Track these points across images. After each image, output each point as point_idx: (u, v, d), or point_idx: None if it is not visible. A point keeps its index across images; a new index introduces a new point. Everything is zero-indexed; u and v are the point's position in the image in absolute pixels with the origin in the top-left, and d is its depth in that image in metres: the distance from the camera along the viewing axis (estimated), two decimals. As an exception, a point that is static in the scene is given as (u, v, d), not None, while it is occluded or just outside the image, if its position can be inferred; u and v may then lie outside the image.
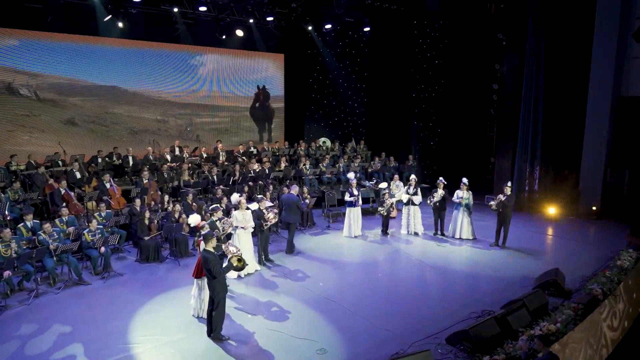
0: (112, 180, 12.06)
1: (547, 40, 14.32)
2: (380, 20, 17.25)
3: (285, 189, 11.94)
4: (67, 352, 6.43)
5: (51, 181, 11.53)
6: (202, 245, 7.19)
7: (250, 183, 13.40)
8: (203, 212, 10.12)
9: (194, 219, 8.31)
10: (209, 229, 8.32)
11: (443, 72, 17.38)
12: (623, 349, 7.86)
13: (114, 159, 13.98)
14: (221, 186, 12.53)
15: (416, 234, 12.12)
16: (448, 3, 16.49)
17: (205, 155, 15.17)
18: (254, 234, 9.73)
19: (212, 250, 6.72)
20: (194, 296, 7.39)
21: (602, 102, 14.01)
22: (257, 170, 14.05)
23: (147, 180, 12.17)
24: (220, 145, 15.79)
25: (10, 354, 6.38)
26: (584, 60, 14.10)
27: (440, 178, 11.96)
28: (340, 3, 15.80)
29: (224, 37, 16.20)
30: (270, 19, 16.12)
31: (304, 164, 15.18)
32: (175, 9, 14.45)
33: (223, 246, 7.34)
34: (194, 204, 11.34)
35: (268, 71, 18.80)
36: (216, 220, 8.82)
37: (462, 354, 6.31)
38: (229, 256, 7.11)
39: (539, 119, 14.67)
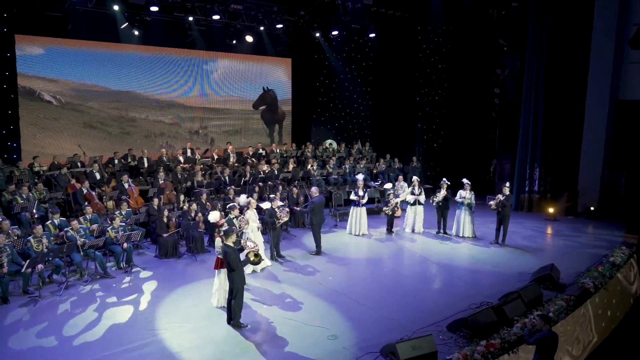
0: (129, 181, 12.66)
1: (547, 45, 14.79)
2: (386, 27, 17.78)
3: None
4: (97, 336, 7.03)
5: (73, 181, 12.14)
6: (217, 240, 7.79)
7: (260, 184, 13.96)
8: (218, 211, 10.70)
9: (214, 216, 8.91)
10: (227, 226, 8.90)
11: (446, 76, 17.88)
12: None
13: (129, 160, 14.59)
14: (233, 186, 13.08)
15: (418, 232, 12.67)
16: (451, 10, 16.98)
17: (216, 157, 15.76)
18: (264, 232, 10.33)
19: (231, 245, 7.30)
20: (215, 287, 7.95)
21: (600, 105, 14.52)
22: (267, 171, 14.59)
23: (162, 181, 12.75)
24: (230, 147, 16.31)
25: (46, 337, 6.99)
26: (583, 65, 14.60)
27: (444, 179, 12.49)
28: (347, 10, 16.33)
29: (234, 42, 16.78)
30: (279, 26, 16.68)
31: (312, 165, 15.70)
32: (190, 18, 15.02)
33: (242, 241, 7.93)
34: (208, 203, 11.92)
35: (276, 75, 19.36)
36: (233, 218, 9.41)
37: (462, 340, 6.86)
38: (247, 251, 7.69)
39: (539, 122, 15.12)
